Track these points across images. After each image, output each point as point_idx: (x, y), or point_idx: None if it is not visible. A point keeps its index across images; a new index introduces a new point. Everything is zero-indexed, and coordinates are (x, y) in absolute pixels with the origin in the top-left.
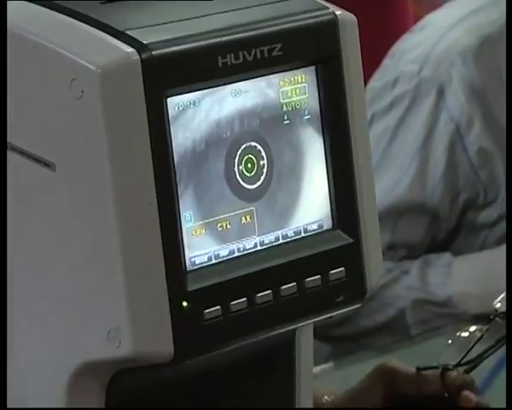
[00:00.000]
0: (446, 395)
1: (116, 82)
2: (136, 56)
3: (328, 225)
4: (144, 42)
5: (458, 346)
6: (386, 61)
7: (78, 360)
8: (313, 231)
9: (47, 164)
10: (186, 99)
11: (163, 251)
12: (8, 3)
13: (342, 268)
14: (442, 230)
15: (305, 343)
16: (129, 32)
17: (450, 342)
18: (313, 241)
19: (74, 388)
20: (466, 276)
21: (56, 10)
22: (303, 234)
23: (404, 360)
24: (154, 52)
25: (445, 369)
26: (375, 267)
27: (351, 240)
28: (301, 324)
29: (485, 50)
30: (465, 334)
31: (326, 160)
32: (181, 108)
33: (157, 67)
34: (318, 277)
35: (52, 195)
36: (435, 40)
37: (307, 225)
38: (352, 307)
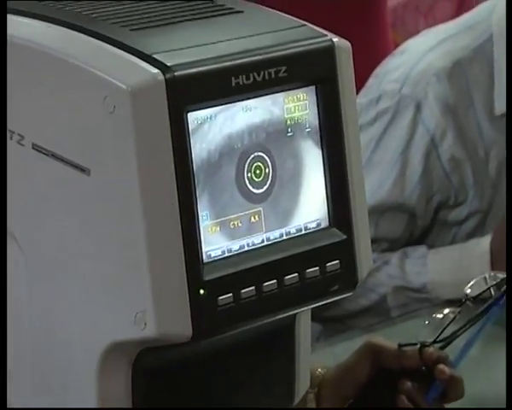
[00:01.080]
0: (424, 368)
1: (143, 99)
2: (160, 77)
3: (325, 223)
4: (168, 64)
5: (434, 326)
6: (371, 81)
7: (108, 340)
8: (312, 228)
9: (83, 169)
10: (204, 114)
11: (183, 245)
12: (49, 29)
13: (337, 261)
14: (418, 226)
15: (304, 325)
16: (155, 56)
17: (426, 322)
18: (312, 237)
19: (104, 364)
20: (439, 266)
21: (92, 36)
22: (303, 231)
23: (386, 338)
24: (176, 73)
25: (423, 346)
26: (366, 260)
27: (344, 236)
28: (302, 309)
29: (457, 72)
30: (439, 316)
31: (323, 167)
32: (199, 122)
33: (179, 86)
34: (317, 268)
35: (87, 195)
36: (413, 63)
37: (307, 223)
38: (345, 295)
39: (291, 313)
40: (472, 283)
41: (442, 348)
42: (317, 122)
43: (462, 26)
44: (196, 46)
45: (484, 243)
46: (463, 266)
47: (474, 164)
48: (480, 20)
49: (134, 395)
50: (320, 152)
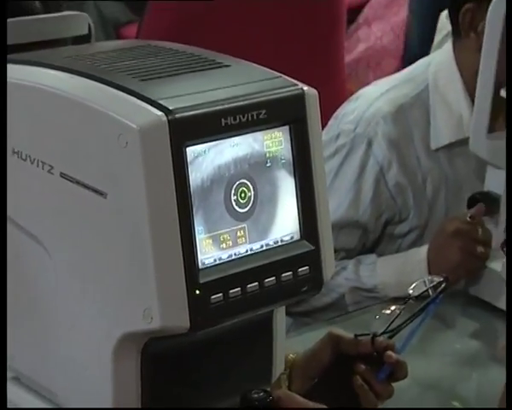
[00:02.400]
0: (375, 354)
1: (150, 136)
2: (164, 118)
3: (297, 236)
4: (170, 108)
5: (383, 320)
6: (331, 122)
7: (121, 331)
8: (287, 241)
9: (101, 193)
10: (199, 148)
11: (182, 255)
12: (72, 80)
13: (307, 267)
14: (370, 239)
15: (280, 319)
16: (159, 101)
17: (377, 317)
18: (286, 248)
19: (118, 351)
20: (386, 270)
21: (108, 85)
22: (279, 243)
23: (344, 329)
24: (176, 115)
25: (374, 335)
26: (330, 266)
27: (313, 247)
28: (278, 306)
29: (400, 115)
30: (387, 311)
31: (295, 191)
32: (195, 155)
33: (179, 125)
34: (290, 273)
35: (104, 214)
36: (365, 108)
37: (282, 236)
38: (313, 295)
39: (269, 309)
40: (414, 284)
41: (390, 337)
42: (290, 155)
43: (404, 78)
44: (193, 93)
45: (422, 251)
46: (406, 270)
47: (414, 189)
48: (418, 73)
49: (142, 376)
50: (293, 179)
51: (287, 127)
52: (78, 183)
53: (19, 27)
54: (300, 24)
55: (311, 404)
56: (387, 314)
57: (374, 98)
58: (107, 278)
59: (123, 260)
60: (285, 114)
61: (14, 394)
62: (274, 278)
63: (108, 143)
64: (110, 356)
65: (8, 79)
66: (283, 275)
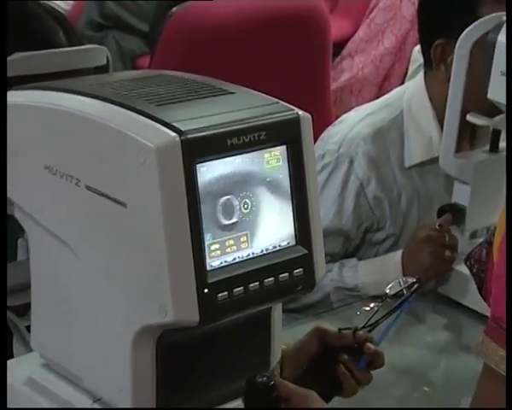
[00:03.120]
0: (356, 345)
1: (165, 154)
2: (177, 139)
3: (292, 242)
4: (182, 129)
5: (363, 315)
6: (318, 143)
7: (139, 324)
8: (284, 246)
9: (122, 203)
10: (208, 165)
11: (193, 258)
12: (97, 103)
13: (301, 269)
14: (351, 245)
15: (277, 314)
16: (173, 123)
17: (358, 313)
18: (283, 252)
19: (136, 341)
20: (366, 272)
21: (128, 109)
22: (277, 248)
23: (329, 324)
24: (188, 136)
25: (356, 329)
26: (321, 268)
27: (306, 252)
28: (276, 303)
29: (378, 137)
30: (367, 308)
31: (291, 203)
32: (206, 172)
33: (190, 145)
34: (287, 274)
35: (124, 221)
36: (348, 130)
37: (280, 242)
38: (306, 293)
39: (268, 305)
40: (390, 284)
41: (369, 331)
42: (287, 171)
43: (382, 104)
44: (202, 117)
45: (397, 255)
46: (383, 272)
47: (390, 201)
48: (394, 100)
49: (157, 363)
50: (289, 192)
51: (284, 147)
52: (101, 194)
53: (46, 59)
54: (294, 57)
55: (301, 390)
56: (367, 311)
57: (355, 122)
58: (126, 278)
59: (141, 262)
60: (282, 135)
61: (45, 379)
62: (272, 278)
63: (128, 159)
64: (129, 346)
65: (40, 104)
66: (281, 276)
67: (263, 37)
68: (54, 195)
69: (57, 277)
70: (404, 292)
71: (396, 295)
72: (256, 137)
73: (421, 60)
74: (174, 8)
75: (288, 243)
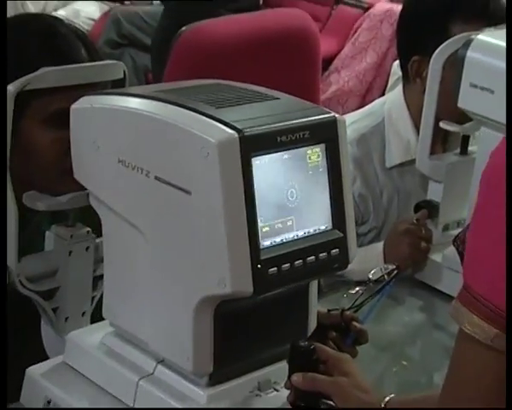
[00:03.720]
0: (343, 324)
1: (225, 149)
2: (235, 135)
3: (330, 227)
4: (240, 128)
5: (349, 298)
6: None
7: (201, 295)
8: (323, 229)
9: (187, 191)
10: (262, 159)
11: (248, 238)
12: (168, 107)
13: (337, 249)
14: None
15: (314, 289)
16: (231, 123)
17: (345, 296)
18: (323, 235)
19: (198, 310)
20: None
21: (193, 111)
22: (318, 231)
23: (320, 306)
24: (245, 133)
25: (343, 310)
26: (353, 249)
27: (341, 235)
28: (316, 278)
29: (362, 141)
30: (353, 292)
31: (329, 193)
32: (259, 165)
33: (246, 141)
34: (325, 253)
35: (189, 207)
36: None
37: (320, 226)
38: (342, 270)
39: (310, 280)
40: (373, 271)
41: (355, 311)
42: (325, 166)
43: (365, 113)
44: (255, 118)
45: (379, 246)
46: (367, 260)
47: (373, 198)
48: (376, 110)
49: (215, 329)
50: (328, 184)
51: (323, 145)
52: (168, 183)
53: (70, 73)
54: (288, 71)
55: (337, 353)
56: (353, 294)
57: None
58: (190, 255)
59: (203, 242)
60: (322, 134)
61: (114, 344)
62: (313, 257)
63: (193, 153)
64: (191, 314)
65: (114, 107)
66: (320, 255)
67: (261, 54)
68: (126, 185)
69: (128, 255)
70: (385, 278)
71: (378, 281)
72: (301, 136)
73: (399, 74)
74: (183, 28)
75: (327, 227)
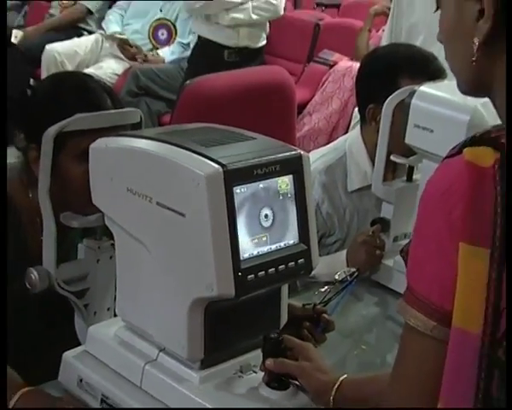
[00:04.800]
0: (315, 316)
1: (212, 180)
2: (220, 169)
3: (297, 241)
4: (224, 163)
5: (319, 295)
6: None
7: (193, 297)
8: (291, 243)
9: (182, 214)
10: (241, 188)
11: (231, 252)
12: (164, 146)
13: (303, 259)
14: None
15: (285, 290)
16: (217, 159)
17: (316, 293)
18: (291, 248)
19: (191, 308)
20: (322, 265)
21: (186, 149)
22: (287, 245)
23: (296, 301)
24: (228, 168)
25: (315, 305)
26: (316, 259)
27: (306, 247)
28: (287, 283)
29: (328, 171)
30: (322, 290)
31: (296, 214)
32: (239, 192)
33: (229, 174)
34: (293, 263)
35: (183, 227)
36: None
37: (289, 241)
38: (306, 276)
39: (282, 284)
40: (338, 273)
41: (324, 306)
42: (293, 192)
43: (331, 148)
44: (236, 155)
45: (343, 253)
46: (333, 265)
47: (338, 216)
48: (339, 145)
49: (205, 324)
50: (295, 207)
51: (291, 175)
52: (167, 208)
53: (98, 118)
54: (270, 114)
55: (301, 342)
56: (322, 292)
57: (312, 161)
58: (184, 265)
59: (194, 255)
60: (290, 167)
61: (126, 335)
62: (284, 265)
63: (186, 184)
64: (186, 312)
65: (123, 146)
66: (289, 264)
67: (249, 101)
68: (133, 209)
69: (135, 264)
70: (348, 279)
71: (342, 281)
72: (273, 169)
73: (358, 117)
74: (187, 82)
75: (294, 242)
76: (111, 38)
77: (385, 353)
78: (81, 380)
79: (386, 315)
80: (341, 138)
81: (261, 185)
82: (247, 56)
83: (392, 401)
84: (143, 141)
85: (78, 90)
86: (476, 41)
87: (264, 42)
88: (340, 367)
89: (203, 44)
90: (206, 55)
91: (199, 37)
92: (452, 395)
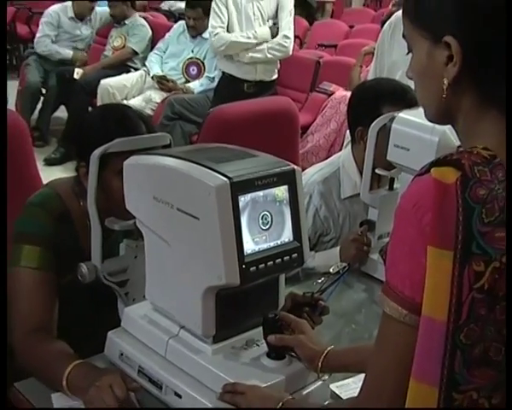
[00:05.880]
0: (313, 302)
1: (220, 190)
2: (228, 181)
3: (291, 239)
4: (230, 176)
5: (318, 284)
6: None
7: (206, 285)
8: (286, 241)
9: (196, 218)
10: (245, 197)
11: (236, 248)
12: (182, 162)
13: (296, 254)
14: (312, 243)
15: (282, 280)
16: (226, 173)
17: (314, 283)
18: (286, 245)
19: (205, 294)
20: (319, 259)
21: (199, 165)
22: (283, 242)
23: (298, 290)
24: (234, 180)
25: (313, 293)
26: (307, 254)
27: (299, 244)
28: (283, 273)
29: (325, 182)
30: (319, 280)
31: (291, 217)
32: (243, 200)
33: (235, 185)
34: (288, 257)
35: (197, 228)
36: (308, 178)
37: (284, 239)
38: (299, 267)
39: (279, 274)
40: (333, 266)
41: (321, 293)
42: (288, 199)
43: (328, 163)
44: (241, 169)
45: (337, 250)
46: (329, 259)
47: (333, 218)
48: (334, 161)
49: (216, 306)
50: (290, 211)
51: (286, 186)
52: (185, 213)
53: (135, 141)
54: (278, 135)
55: (297, 319)
56: (319, 282)
57: (312, 174)
58: (199, 259)
59: (207, 251)
60: (285, 179)
61: (153, 315)
62: (280, 259)
63: (201, 193)
64: (201, 297)
65: (151, 162)
66: (285, 258)
67: (261, 125)
68: (158, 213)
69: (160, 258)
70: (340, 271)
71: (336, 273)
72: (271, 180)
73: (349, 138)
74: (211, 109)
75: (289, 240)
76: (152, 77)
77: (371, 330)
78: (122, 354)
79: (372, 299)
80: (335, 155)
81: (261, 194)
82: (263, 88)
83: (375, 370)
84: (166, 158)
85: (118, 119)
86: (446, 81)
87: (276, 76)
88: (335, 342)
89: (227, 78)
90: (229, 88)
91: (223, 72)
92: (422, 370)
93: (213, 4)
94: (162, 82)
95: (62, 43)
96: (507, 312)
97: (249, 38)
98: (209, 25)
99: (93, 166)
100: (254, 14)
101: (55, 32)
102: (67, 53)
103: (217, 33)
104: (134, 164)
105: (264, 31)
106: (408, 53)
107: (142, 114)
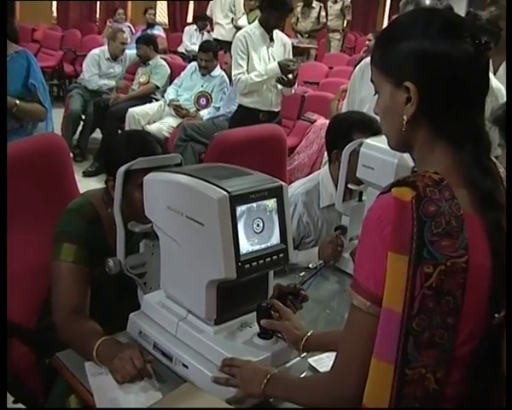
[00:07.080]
0: (296, 292)
1: (221, 202)
2: (227, 194)
3: (279, 242)
4: (229, 190)
5: (299, 278)
6: None
7: (209, 278)
8: (275, 244)
9: (201, 224)
10: (242, 208)
11: (234, 249)
12: (190, 180)
13: (282, 254)
14: (295, 243)
15: (271, 275)
16: (226, 188)
17: (297, 276)
18: (275, 247)
19: (207, 286)
20: (301, 256)
21: (201, 179)
22: (272, 245)
23: (283, 282)
24: (232, 194)
25: (295, 284)
26: (291, 254)
27: (285, 246)
28: (272, 269)
29: (308, 194)
30: (301, 274)
31: (279, 224)
32: (240, 210)
33: (233, 198)
34: (276, 256)
35: (201, 232)
36: (293, 191)
37: (273, 242)
38: (285, 265)
39: (268, 270)
40: (312, 263)
41: (302, 284)
42: (276, 209)
43: (310, 179)
44: (238, 185)
45: (316, 249)
46: (309, 257)
47: (313, 224)
48: (315, 177)
49: (217, 297)
50: (277, 219)
51: (275, 198)
52: (192, 219)
53: (152, 161)
54: (269, 156)
55: (285, 308)
56: (301, 275)
57: (297, 187)
58: (203, 257)
59: (210, 250)
60: (274, 193)
61: (166, 301)
62: (270, 258)
63: (205, 204)
64: (204, 288)
65: (166, 178)
66: (273, 257)
67: (256, 147)
68: (171, 220)
69: (171, 255)
70: (318, 266)
71: (314, 268)
72: (262, 194)
73: (327, 158)
74: (216, 134)
75: (277, 243)
76: (169, 104)
77: (342, 314)
78: (140, 332)
79: (344, 290)
80: (316, 172)
81: (254, 205)
82: (273, 116)
83: (344, 350)
84: (178, 175)
85: (140, 142)
86: (405, 118)
87: (280, 107)
88: (313, 324)
89: (244, 109)
90: (247, 116)
91: (240, 104)
92: (382, 350)
93: (235, 55)
94: (178, 109)
95: (102, 78)
96: (507, 312)
97: (261, 75)
98: (232, 74)
99: (119, 180)
100: (269, 58)
101: (98, 70)
102: (112, 83)
103: (239, 78)
104: (152, 179)
105: (271, 66)
106: (375, 94)
107: (159, 138)
